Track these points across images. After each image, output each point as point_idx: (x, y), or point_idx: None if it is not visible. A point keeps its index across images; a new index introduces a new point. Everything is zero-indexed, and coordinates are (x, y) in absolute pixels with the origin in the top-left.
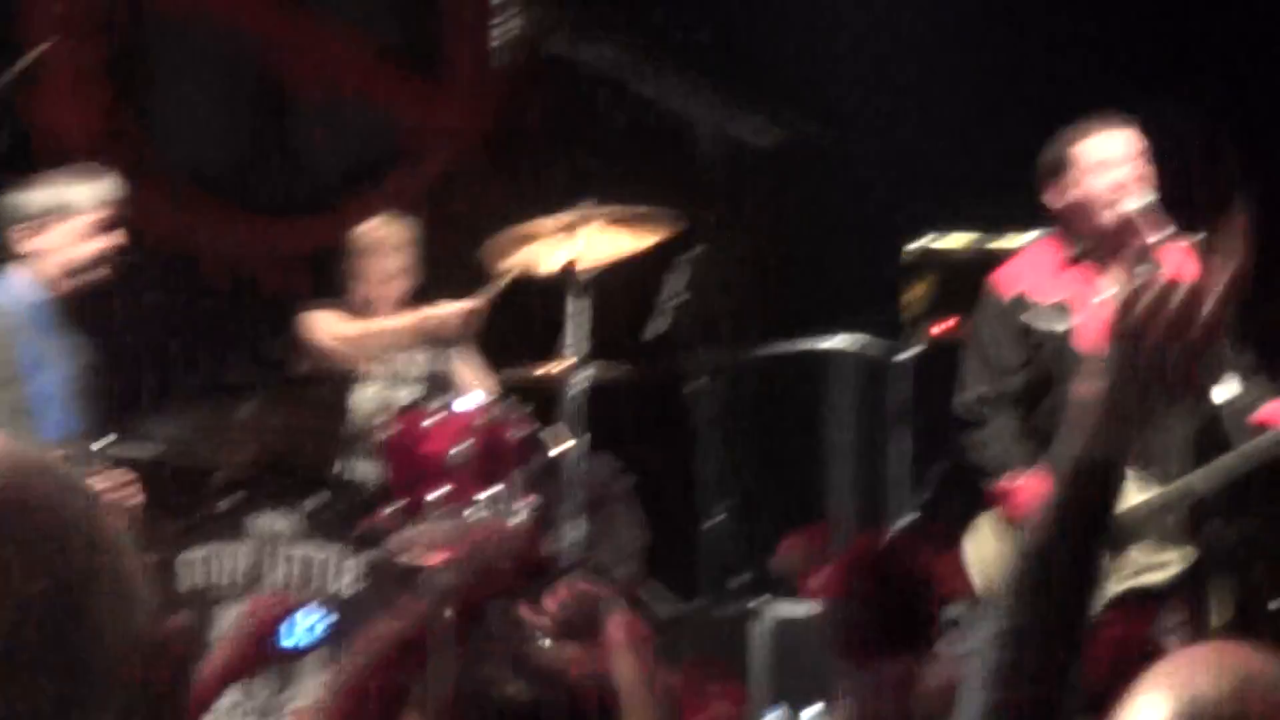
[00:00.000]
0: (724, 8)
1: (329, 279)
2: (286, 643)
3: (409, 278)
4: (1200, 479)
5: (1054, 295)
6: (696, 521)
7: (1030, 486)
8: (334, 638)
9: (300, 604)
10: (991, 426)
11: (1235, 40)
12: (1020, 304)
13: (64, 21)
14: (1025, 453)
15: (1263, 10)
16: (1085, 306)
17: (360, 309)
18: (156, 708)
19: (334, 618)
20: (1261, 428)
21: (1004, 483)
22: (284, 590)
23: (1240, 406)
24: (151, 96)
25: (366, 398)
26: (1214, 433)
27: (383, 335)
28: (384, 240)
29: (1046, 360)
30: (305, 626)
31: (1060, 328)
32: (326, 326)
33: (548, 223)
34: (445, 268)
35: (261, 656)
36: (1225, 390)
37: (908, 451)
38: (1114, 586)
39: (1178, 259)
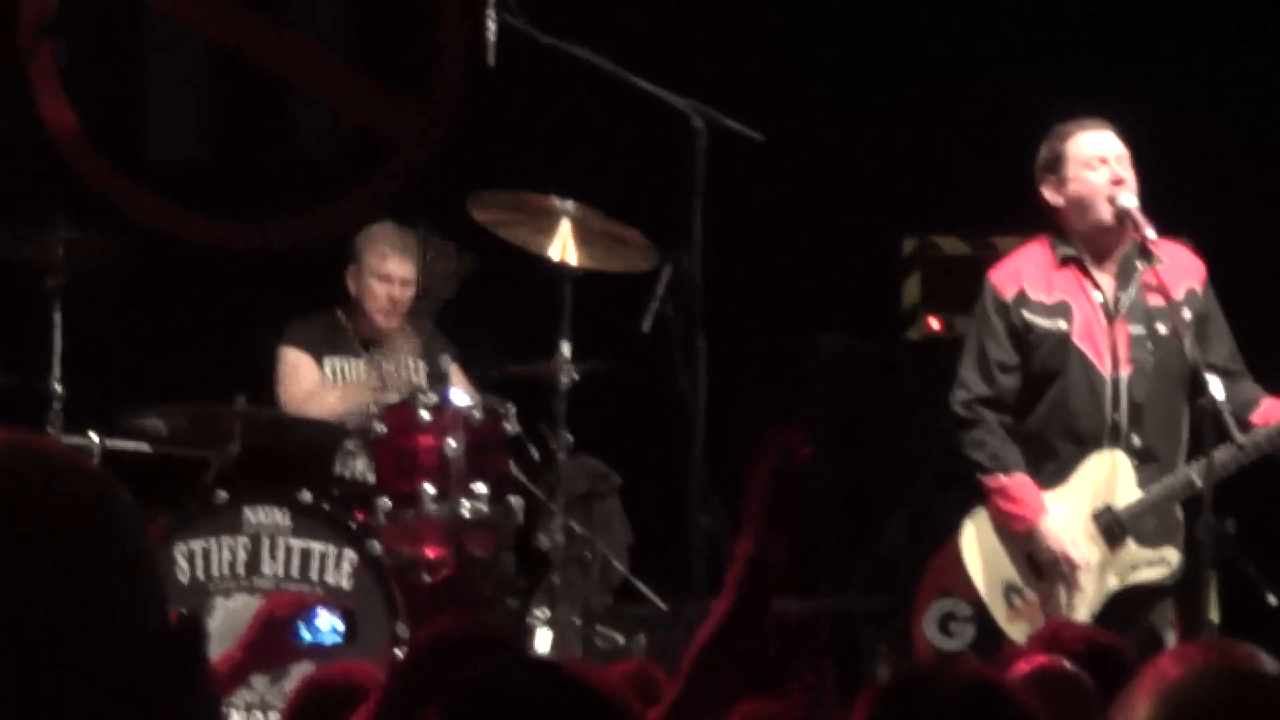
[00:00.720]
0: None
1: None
2: (307, 638)
3: (413, 286)
4: (1198, 473)
5: (1051, 294)
6: (687, 519)
7: (1022, 485)
8: (349, 635)
9: (320, 601)
10: (986, 425)
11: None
12: (1021, 301)
13: (52, 20)
14: (1018, 452)
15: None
16: (1081, 305)
17: (358, 316)
18: (173, 695)
19: (348, 616)
20: (1256, 427)
21: (997, 480)
22: (298, 587)
23: (1238, 402)
24: (141, 93)
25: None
26: (1212, 426)
27: (343, 398)
28: (392, 243)
29: (1045, 357)
30: (326, 624)
31: (1061, 325)
32: (297, 383)
33: (535, 200)
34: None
35: (283, 651)
36: (1219, 385)
37: (901, 446)
38: (1113, 582)
39: (1176, 254)
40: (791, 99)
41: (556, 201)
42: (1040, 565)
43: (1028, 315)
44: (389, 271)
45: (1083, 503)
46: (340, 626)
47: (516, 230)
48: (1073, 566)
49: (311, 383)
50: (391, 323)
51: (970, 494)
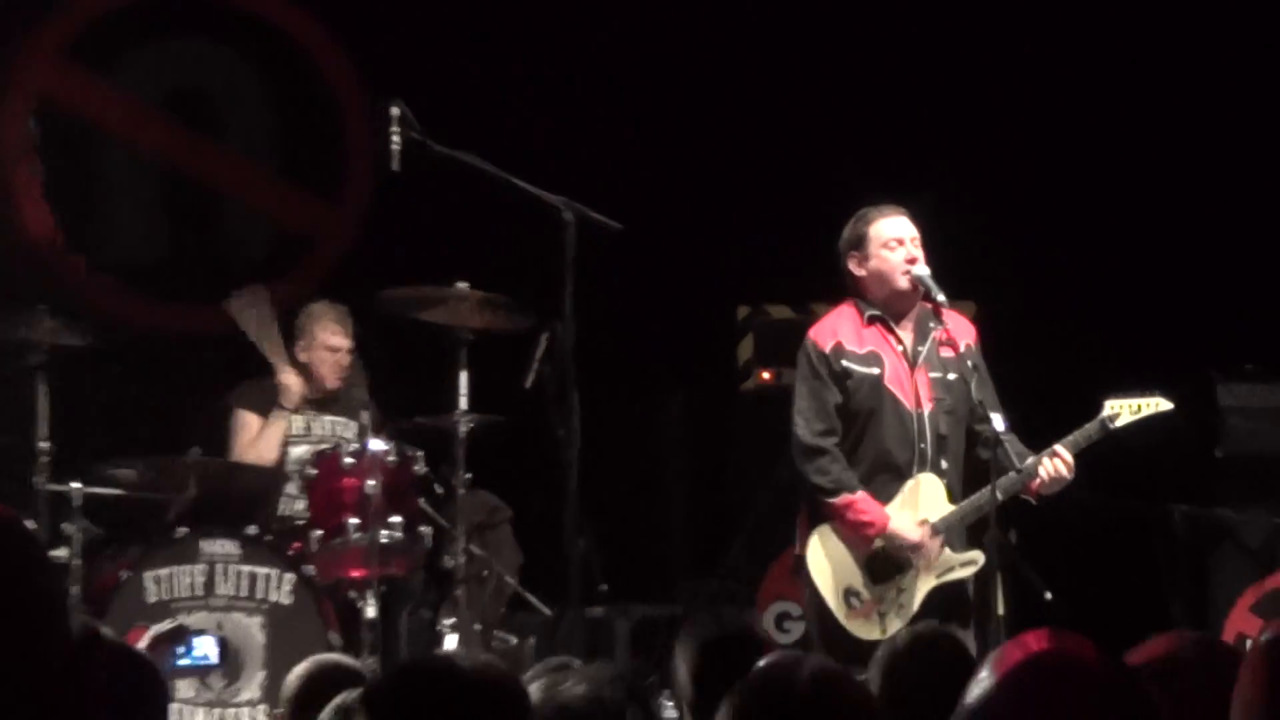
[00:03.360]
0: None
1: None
2: (182, 662)
3: (350, 357)
4: (987, 498)
5: (863, 346)
6: (565, 543)
7: (866, 500)
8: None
9: (195, 632)
10: (830, 454)
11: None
12: (839, 352)
13: (29, 144)
14: (854, 474)
15: None
16: (888, 355)
17: (301, 374)
18: (74, 693)
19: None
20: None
21: (845, 499)
22: (246, 605)
23: (1014, 452)
24: (95, 204)
25: (299, 452)
26: (994, 453)
27: (278, 427)
28: (335, 320)
29: (863, 398)
30: (201, 650)
31: (874, 371)
32: (246, 437)
33: (434, 291)
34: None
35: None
36: (1001, 419)
37: (740, 482)
38: (931, 581)
39: (956, 318)
40: (648, 193)
41: (451, 287)
42: (878, 570)
43: (845, 363)
44: (335, 344)
45: (907, 517)
46: (214, 651)
47: (419, 310)
48: (928, 547)
49: (255, 434)
50: (339, 383)
51: (794, 520)
